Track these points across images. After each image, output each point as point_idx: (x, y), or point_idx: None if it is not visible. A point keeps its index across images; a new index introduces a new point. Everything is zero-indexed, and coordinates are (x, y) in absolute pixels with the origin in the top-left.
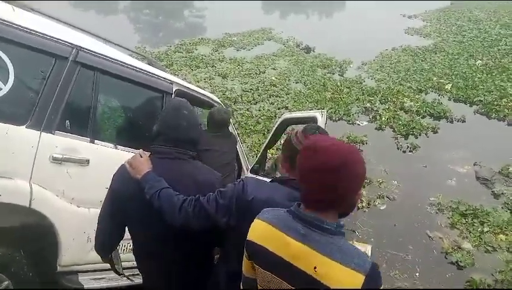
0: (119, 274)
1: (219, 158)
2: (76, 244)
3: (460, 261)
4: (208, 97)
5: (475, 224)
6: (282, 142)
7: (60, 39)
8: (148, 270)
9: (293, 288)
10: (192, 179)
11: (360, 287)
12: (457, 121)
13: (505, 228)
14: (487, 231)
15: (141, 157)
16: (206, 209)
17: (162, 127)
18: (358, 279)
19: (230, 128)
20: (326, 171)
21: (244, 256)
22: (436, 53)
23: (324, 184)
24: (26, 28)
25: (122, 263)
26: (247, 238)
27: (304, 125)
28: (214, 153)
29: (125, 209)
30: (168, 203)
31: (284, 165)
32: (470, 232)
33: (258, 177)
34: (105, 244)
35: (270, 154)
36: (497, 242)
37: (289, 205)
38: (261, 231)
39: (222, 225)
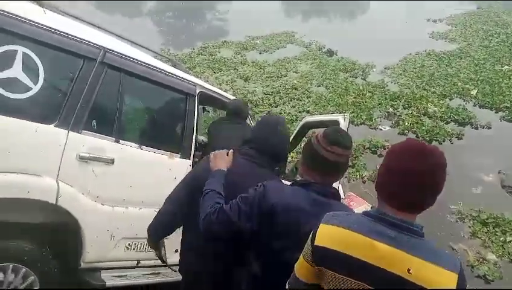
0: (164, 262)
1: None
2: (99, 242)
3: (488, 275)
4: (230, 100)
5: (497, 233)
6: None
7: (88, 41)
8: (189, 263)
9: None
10: None
11: (455, 287)
12: (483, 128)
13: None
14: (510, 241)
15: (227, 155)
16: (228, 216)
17: (254, 137)
18: (453, 279)
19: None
20: (433, 172)
21: (304, 262)
22: (461, 58)
23: (426, 185)
24: (56, 30)
25: (147, 261)
26: (316, 244)
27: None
28: (224, 137)
29: (195, 196)
30: (204, 206)
31: (303, 168)
32: (492, 241)
33: (279, 180)
34: (164, 226)
35: (290, 158)
36: None
37: (311, 209)
38: (335, 236)
39: (247, 230)
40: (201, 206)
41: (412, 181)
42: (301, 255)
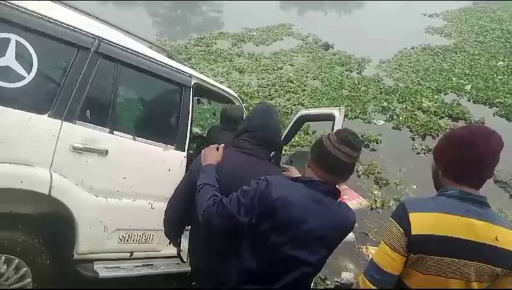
0: (183, 261)
1: None
2: (93, 233)
3: None
4: (225, 91)
5: None
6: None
7: (82, 30)
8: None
9: (473, 263)
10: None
11: None
12: (476, 123)
13: None
14: None
15: (217, 149)
16: (228, 209)
17: (250, 124)
18: None
19: None
20: (499, 151)
21: (394, 254)
22: (456, 53)
23: (494, 163)
24: (50, 19)
25: (140, 253)
26: (414, 233)
27: (337, 129)
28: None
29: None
30: (200, 200)
31: (311, 165)
32: None
33: (283, 176)
34: (170, 222)
35: (284, 151)
36: None
37: (313, 207)
38: (434, 222)
39: (244, 224)
40: (198, 200)
41: (488, 162)
42: (386, 249)
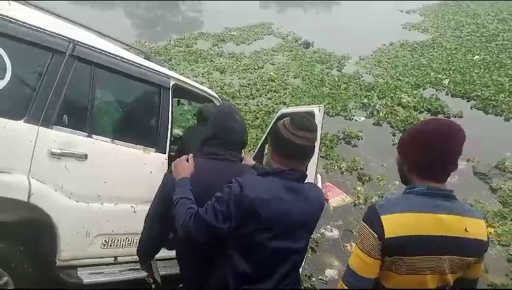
0: (158, 283)
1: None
2: (75, 239)
3: None
4: (205, 92)
5: None
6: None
7: (56, 33)
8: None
9: (447, 257)
10: None
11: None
12: (455, 117)
13: (492, 219)
14: None
15: (187, 161)
16: (205, 220)
17: (216, 130)
18: (484, 224)
19: None
20: (462, 144)
21: (369, 258)
22: (433, 48)
23: (458, 156)
24: (23, 22)
25: (124, 257)
26: (388, 237)
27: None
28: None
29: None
30: (178, 214)
31: (273, 156)
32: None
33: (253, 173)
34: (150, 248)
35: (266, 150)
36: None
37: (289, 197)
38: (405, 223)
39: (224, 232)
40: (176, 215)
41: (452, 158)
42: (360, 254)
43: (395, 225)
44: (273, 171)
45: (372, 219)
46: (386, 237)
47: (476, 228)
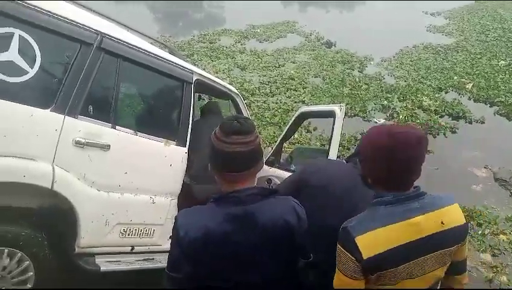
0: None
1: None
2: (94, 227)
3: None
4: (226, 88)
5: (473, 227)
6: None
7: (85, 25)
8: None
9: (431, 255)
10: None
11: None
12: (476, 122)
13: (503, 224)
14: (487, 233)
15: None
16: (166, 274)
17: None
18: (459, 207)
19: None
20: (424, 151)
21: (351, 281)
22: (458, 52)
23: (421, 162)
24: (53, 14)
25: (141, 247)
26: (366, 258)
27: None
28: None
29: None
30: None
31: (215, 173)
32: (472, 236)
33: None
34: None
35: (285, 148)
36: (501, 244)
37: (229, 228)
38: (378, 240)
39: (182, 281)
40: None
41: (416, 167)
42: (341, 277)
43: (370, 244)
44: (216, 198)
45: (347, 242)
46: (364, 258)
47: (451, 216)
